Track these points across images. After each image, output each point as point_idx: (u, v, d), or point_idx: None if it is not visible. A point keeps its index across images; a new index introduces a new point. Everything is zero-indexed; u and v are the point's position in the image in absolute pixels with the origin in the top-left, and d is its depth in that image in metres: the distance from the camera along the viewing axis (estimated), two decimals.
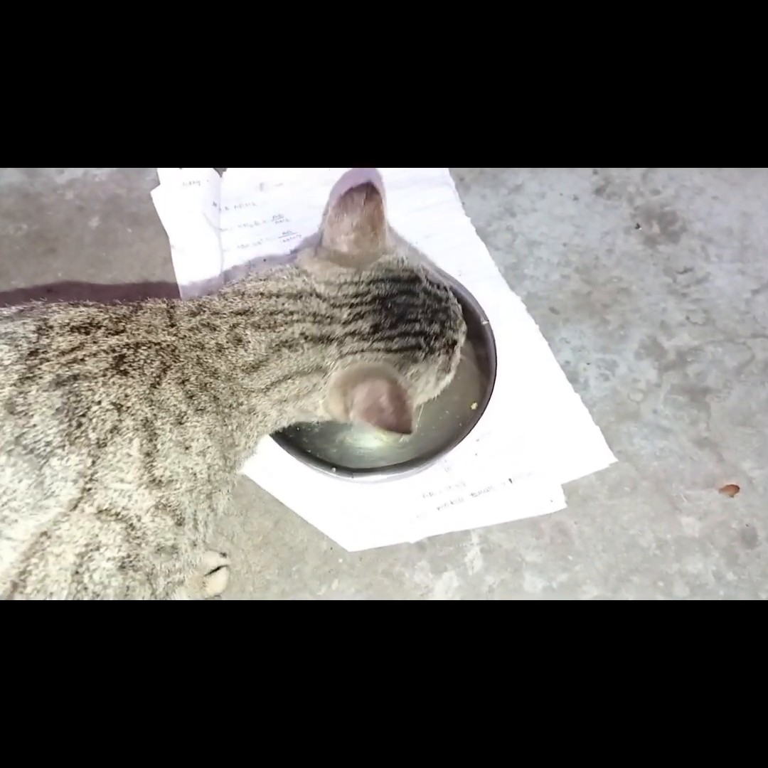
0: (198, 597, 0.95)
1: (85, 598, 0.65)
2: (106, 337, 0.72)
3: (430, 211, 1.29)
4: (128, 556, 0.66)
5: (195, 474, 0.72)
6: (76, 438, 0.65)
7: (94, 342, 0.71)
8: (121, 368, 0.69)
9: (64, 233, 1.28)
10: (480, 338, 1.04)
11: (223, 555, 0.98)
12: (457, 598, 0.97)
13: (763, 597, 0.96)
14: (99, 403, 0.67)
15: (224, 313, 0.79)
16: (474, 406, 1.01)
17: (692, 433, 1.08)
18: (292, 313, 0.81)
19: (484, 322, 1.06)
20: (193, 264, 1.21)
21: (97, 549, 0.65)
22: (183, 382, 0.73)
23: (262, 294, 0.82)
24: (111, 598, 0.66)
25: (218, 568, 0.97)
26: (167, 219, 1.26)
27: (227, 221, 1.28)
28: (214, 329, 0.77)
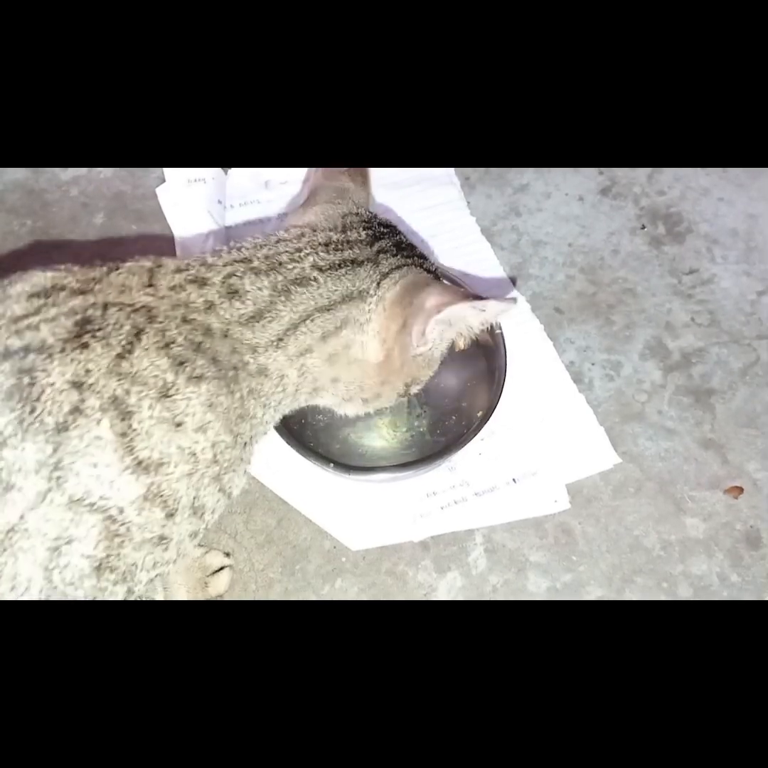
0: (200, 596, 0.94)
1: (54, 599, 0.60)
2: (69, 297, 0.63)
3: (435, 211, 1.29)
4: (107, 556, 0.61)
5: (195, 454, 0.64)
6: (29, 425, 0.57)
7: (55, 305, 0.62)
8: (83, 340, 0.60)
9: (69, 230, 1.28)
10: (493, 347, 1.04)
11: (227, 555, 0.98)
12: (461, 597, 0.97)
13: (767, 598, 0.96)
14: (53, 383, 0.59)
15: (216, 265, 0.71)
16: (480, 414, 1.00)
17: (697, 434, 1.08)
18: (298, 250, 0.73)
19: (498, 332, 1.05)
20: None
21: (68, 543, 0.59)
22: (167, 345, 0.63)
23: (260, 245, 0.75)
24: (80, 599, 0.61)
25: (221, 568, 0.96)
26: (172, 216, 1.26)
27: (232, 219, 1.28)
28: (203, 284, 0.68)
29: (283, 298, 0.71)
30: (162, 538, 0.64)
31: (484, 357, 0.93)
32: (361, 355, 0.75)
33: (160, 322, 0.64)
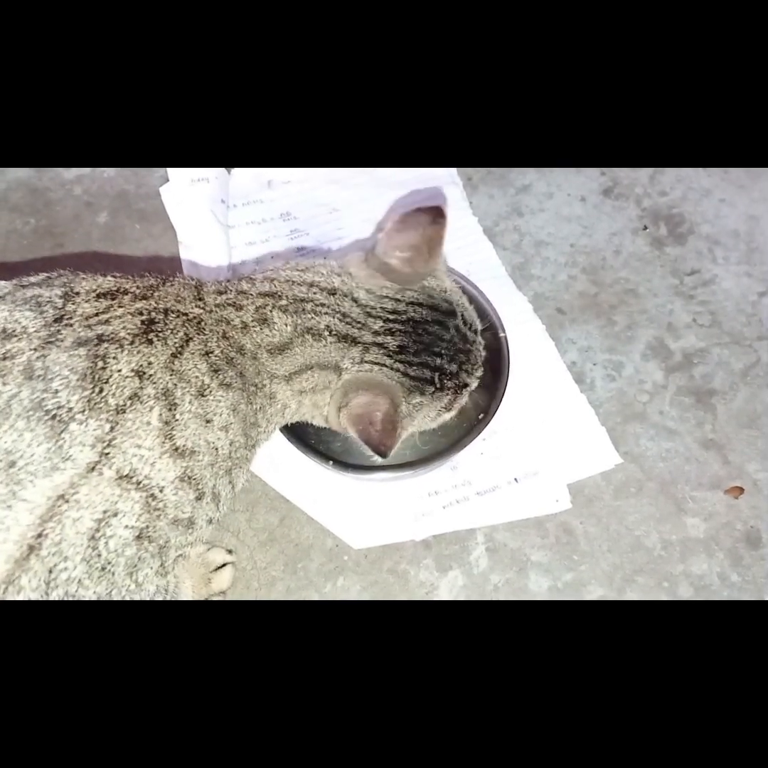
0: (203, 593, 0.95)
1: (98, 565, 0.64)
2: (134, 301, 0.71)
3: None
4: (147, 526, 0.66)
5: (217, 449, 0.71)
6: (96, 404, 0.64)
7: (121, 306, 0.70)
8: (148, 336, 0.69)
9: (72, 229, 1.28)
10: (496, 350, 1.04)
11: (230, 552, 0.98)
12: (462, 596, 0.97)
13: (767, 598, 0.96)
14: (120, 370, 0.66)
15: (251, 294, 0.79)
16: (482, 414, 1.00)
17: (698, 434, 1.09)
18: (322, 304, 0.80)
19: (502, 334, 1.05)
20: (201, 261, 1.21)
21: (115, 516, 0.64)
22: (207, 353, 0.72)
23: (294, 282, 0.81)
24: (120, 568, 0.66)
25: (224, 565, 0.97)
26: (175, 215, 1.27)
27: (235, 218, 1.28)
28: (240, 308, 0.77)
29: (299, 341, 0.79)
30: (191, 520, 0.71)
31: (488, 358, 0.93)
32: (328, 414, 0.83)
33: (206, 334, 0.74)
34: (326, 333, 0.79)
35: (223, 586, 0.96)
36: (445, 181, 1.33)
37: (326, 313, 0.80)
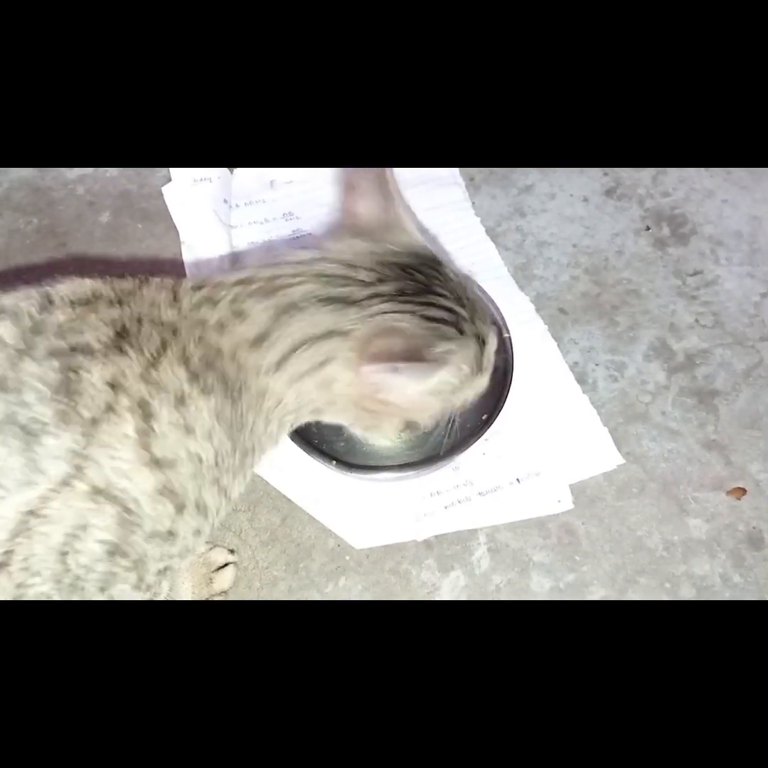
0: (204, 593, 0.95)
1: (67, 581, 0.63)
2: (109, 308, 0.69)
3: (439, 211, 1.29)
4: (120, 541, 0.64)
5: (200, 458, 0.69)
6: (69, 416, 0.62)
7: (95, 312, 0.68)
8: (121, 345, 0.66)
9: (75, 228, 1.28)
10: (500, 349, 1.03)
11: (232, 552, 0.98)
12: (464, 597, 0.97)
13: None
14: (94, 382, 0.64)
15: (225, 284, 0.75)
16: (485, 415, 1.00)
17: (700, 435, 1.08)
18: (295, 275, 0.75)
19: (506, 335, 1.05)
20: (203, 261, 1.22)
21: (85, 530, 0.62)
22: (185, 360, 0.69)
23: (264, 265, 0.77)
24: (91, 583, 0.64)
25: (226, 565, 0.97)
26: (178, 215, 1.27)
27: (237, 218, 1.28)
28: (215, 304, 0.73)
29: (279, 324, 0.73)
30: (170, 532, 0.68)
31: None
32: (345, 391, 0.76)
33: (183, 339, 0.70)
34: (307, 303, 0.73)
35: (224, 586, 0.96)
36: (447, 181, 1.33)
37: (301, 282, 0.74)
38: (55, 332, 0.66)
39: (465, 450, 0.99)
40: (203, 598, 0.95)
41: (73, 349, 0.65)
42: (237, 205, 1.30)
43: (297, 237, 1.26)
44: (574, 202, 1.32)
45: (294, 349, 0.74)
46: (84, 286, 0.72)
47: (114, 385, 0.65)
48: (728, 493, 1.04)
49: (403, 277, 0.76)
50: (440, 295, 0.76)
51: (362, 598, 0.96)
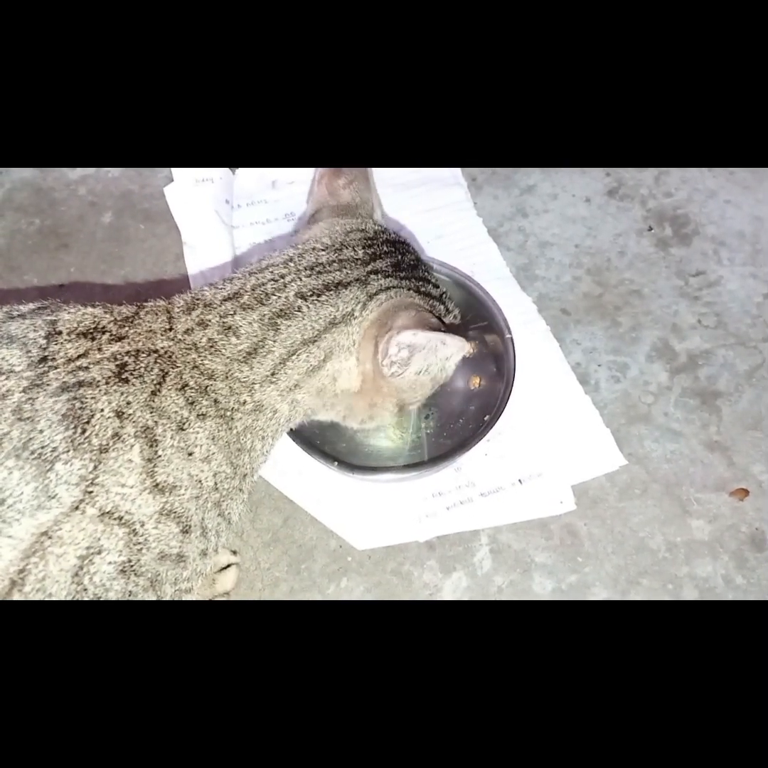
0: (207, 594, 0.95)
1: (86, 599, 0.65)
2: (110, 343, 0.72)
3: (441, 212, 1.29)
4: (129, 561, 0.66)
5: (200, 481, 0.71)
6: (79, 444, 0.65)
7: (98, 349, 0.71)
8: (123, 376, 0.69)
9: (77, 229, 1.29)
10: (502, 350, 1.04)
11: (234, 553, 0.98)
12: (466, 597, 0.97)
13: None
14: (102, 410, 0.67)
15: (215, 303, 0.76)
16: (487, 416, 1.00)
17: (703, 436, 1.08)
18: (282, 277, 0.76)
19: (508, 336, 1.05)
20: (205, 261, 1.22)
21: (99, 552, 0.65)
22: (182, 387, 0.72)
23: (250, 273, 0.78)
24: (113, 596, 0.66)
25: (228, 566, 0.97)
26: (180, 216, 1.27)
27: (239, 219, 1.28)
28: (206, 325, 0.74)
29: (271, 333, 0.74)
30: (180, 555, 0.70)
31: (493, 360, 0.93)
32: (347, 385, 0.79)
33: (178, 367, 0.72)
34: (299, 302, 0.75)
35: (227, 587, 0.96)
36: (449, 181, 1.33)
37: (291, 281, 0.76)
38: (64, 366, 0.69)
39: (467, 451, 0.99)
40: (206, 599, 0.95)
41: (81, 384, 0.68)
42: (239, 206, 1.30)
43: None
44: (576, 202, 1.32)
45: (287, 358, 0.75)
46: (86, 316, 0.73)
47: (120, 414, 0.67)
48: (731, 494, 1.04)
49: (394, 253, 0.79)
50: (426, 270, 0.82)
51: (364, 599, 0.96)
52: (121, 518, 0.65)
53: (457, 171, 1.35)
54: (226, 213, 1.27)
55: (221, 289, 0.77)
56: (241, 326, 0.74)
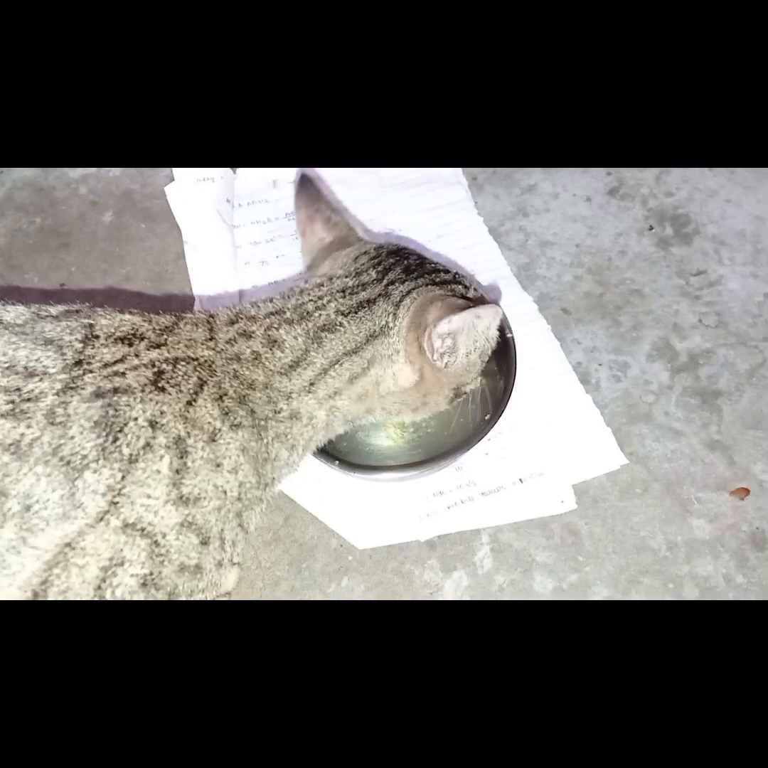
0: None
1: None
2: (148, 350, 0.71)
3: (442, 211, 1.29)
4: (150, 573, 0.66)
5: (225, 492, 0.71)
6: (110, 453, 0.64)
7: (136, 355, 0.71)
8: (160, 384, 0.69)
9: (78, 228, 1.29)
10: (504, 350, 1.04)
11: None
12: (467, 597, 0.97)
13: None
14: (136, 419, 0.66)
15: (259, 317, 0.79)
16: (488, 415, 1.00)
17: (704, 435, 1.08)
18: (320, 297, 0.81)
19: (510, 335, 1.05)
20: (206, 260, 1.22)
21: (121, 564, 0.64)
22: (220, 397, 0.72)
23: (286, 297, 0.82)
24: None
25: None
26: (180, 215, 1.27)
27: (240, 218, 1.28)
28: (250, 336, 0.77)
29: (315, 346, 0.78)
30: (198, 566, 0.70)
31: (495, 358, 0.93)
32: (394, 386, 0.83)
33: (218, 376, 0.73)
34: (340, 318, 0.79)
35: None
36: (450, 180, 1.33)
37: (329, 301, 0.80)
38: (100, 370, 0.68)
39: (468, 450, 0.99)
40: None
41: (116, 390, 0.67)
42: (240, 205, 1.30)
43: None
44: (577, 201, 1.32)
45: (328, 368, 0.79)
46: (125, 322, 0.74)
47: (153, 424, 0.67)
48: (732, 493, 1.04)
49: (401, 260, 0.84)
50: (434, 269, 0.85)
51: (365, 599, 0.96)
52: (143, 530, 0.65)
53: (458, 170, 1.35)
54: (227, 212, 1.27)
55: (263, 306, 0.81)
56: (285, 340, 0.78)
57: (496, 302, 0.81)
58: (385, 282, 0.82)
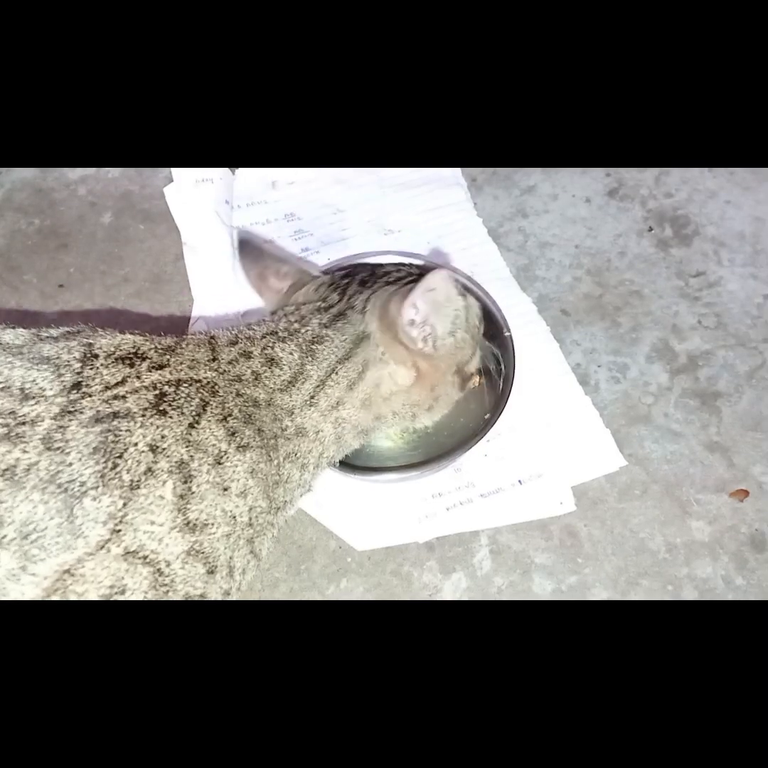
0: None
1: None
2: (150, 371, 0.70)
3: (441, 212, 1.29)
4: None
5: (234, 517, 0.69)
6: (110, 479, 0.63)
7: (137, 376, 0.69)
8: (161, 407, 0.67)
9: (77, 229, 1.29)
10: (502, 349, 1.04)
11: None
12: (466, 598, 0.97)
13: None
14: (136, 444, 0.65)
15: (256, 338, 0.80)
16: (487, 416, 1.00)
17: (703, 437, 1.08)
18: (302, 316, 0.83)
19: (507, 333, 1.05)
20: (205, 261, 1.21)
21: (122, 593, 0.63)
22: (225, 418, 0.71)
23: (275, 321, 0.84)
24: None
25: None
26: (179, 216, 1.26)
27: (239, 219, 1.28)
28: (250, 356, 0.77)
29: (309, 358, 0.79)
30: (203, 596, 0.68)
31: (493, 359, 0.93)
32: (394, 386, 0.83)
33: (221, 397, 0.73)
34: (323, 330, 0.81)
35: None
36: (449, 181, 1.33)
37: (311, 319, 0.83)
38: (100, 394, 0.67)
39: (466, 451, 0.99)
40: None
41: (116, 415, 0.66)
42: (239, 206, 1.30)
43: (299, 238, 1.26)
44: (576, 202, 1.32)
45: (325, 378, 0.79)
46: (126, 341, 0.73)
47: (154, 448, 0.65)
48: (731, 495, 1.03)
49: (354, 277, 0.87)
50: (384, 268, 0.89)
51: (364, 600, 0.96)
52: (146, 558, 0.63)
53: (458, 171, 1.35)
54: (226, 213, 1.26)
55: (259, 328, 0.82)
56: (282, 357, 0.78)
57: (441, 266, 0.83)
58: (346, 298, 0.84)
